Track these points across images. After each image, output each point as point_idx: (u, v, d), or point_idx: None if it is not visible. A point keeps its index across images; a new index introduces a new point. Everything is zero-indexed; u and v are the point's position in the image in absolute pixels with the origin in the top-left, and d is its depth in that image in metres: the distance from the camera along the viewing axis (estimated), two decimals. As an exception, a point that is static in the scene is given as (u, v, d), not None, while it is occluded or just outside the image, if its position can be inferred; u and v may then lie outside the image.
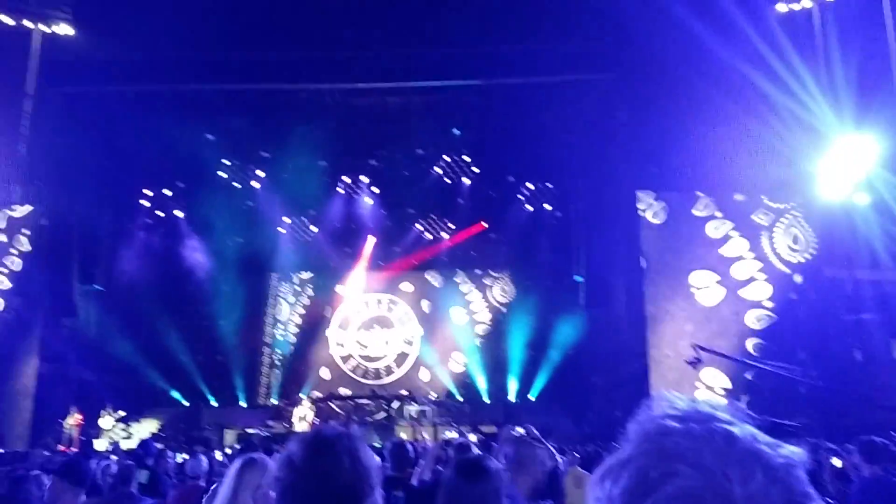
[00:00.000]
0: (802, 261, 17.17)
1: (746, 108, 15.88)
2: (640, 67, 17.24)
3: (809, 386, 16.01)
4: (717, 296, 17.18)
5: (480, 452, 5.23)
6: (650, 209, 17.70)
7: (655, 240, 17.63)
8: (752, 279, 17.08)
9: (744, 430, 0.75)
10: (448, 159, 21.61)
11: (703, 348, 15.72)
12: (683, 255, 17.48)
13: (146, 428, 19.88)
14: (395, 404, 20.12)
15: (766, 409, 16.23)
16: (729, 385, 16.65)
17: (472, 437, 7.67)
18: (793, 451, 0.75)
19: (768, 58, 15.65)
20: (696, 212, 17.64)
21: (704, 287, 17.22)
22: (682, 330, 17.01)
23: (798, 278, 17.04)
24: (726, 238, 17.42)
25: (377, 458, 1.72)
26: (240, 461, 2.78)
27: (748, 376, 16.54)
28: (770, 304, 16.90)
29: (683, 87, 16.60)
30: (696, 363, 15.67)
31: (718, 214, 17.59)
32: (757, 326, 16.90)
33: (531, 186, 22.04)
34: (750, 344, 16.85)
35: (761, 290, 17.02)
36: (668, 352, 16.69)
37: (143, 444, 13.90)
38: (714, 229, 17.56)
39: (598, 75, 17.90)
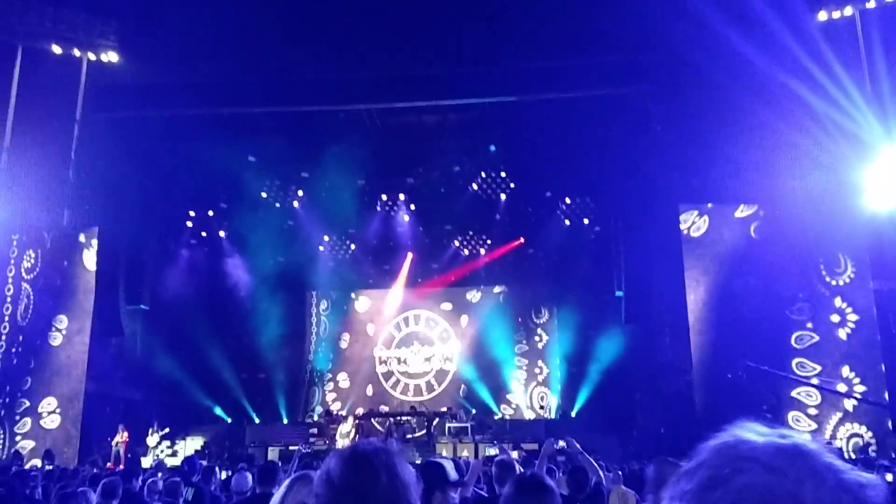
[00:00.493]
0: (840, 284, 16.68)
1: (788, 119, 15.60)
2: (677, 79, 17.07)
3: (859, 402, 15.63)
4: (761, 311, 16.78)
5: (522, 469, 5.18)
6: (693, 225, 17.44)
7: (694, 246, 17.27)
8: (795, 297, 16.67)
9: (821, 447, 0.76)
10: (485, 176, 21.63)
11: (751, 366, 15.46)
12: (724, 259, 17.05)
13: (191, 445, 20.16)
14: (436, 421, 20.07)
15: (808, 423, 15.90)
16: (774, 401, 16.28)
17: (514, 454, 7.61)
18: (870, 476, 0.74)
19: (809, 67, 15.37)
20: (738, 214, 17.20)
21: (748, 298, 16.84)
22: (728, 344, 16.66)
23: (839, 301, 16.59)
24: (768, 240, 16.95)
25: (415, 474, 1.70)
26: (292, 476, 2.80)
27: (794, 394, 16.16)
28: (811, 325, 16.49)
29: (722, 98, 16.38)
30: (745, 381, 15.44)
31: (762, 213, 17.13)
32: (800, 346, 16.50)
33: (569, 201, 21.92)
34: (795, 364, 16.45)
35: (802, 311, 16.61)
36: (713, 368, 16.37)
37: (188, 460, 14.09)
38: (755, 230, 17.10)
39: (635, 88, 17.76)
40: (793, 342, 16.55)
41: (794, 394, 16.20)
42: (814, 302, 16.67)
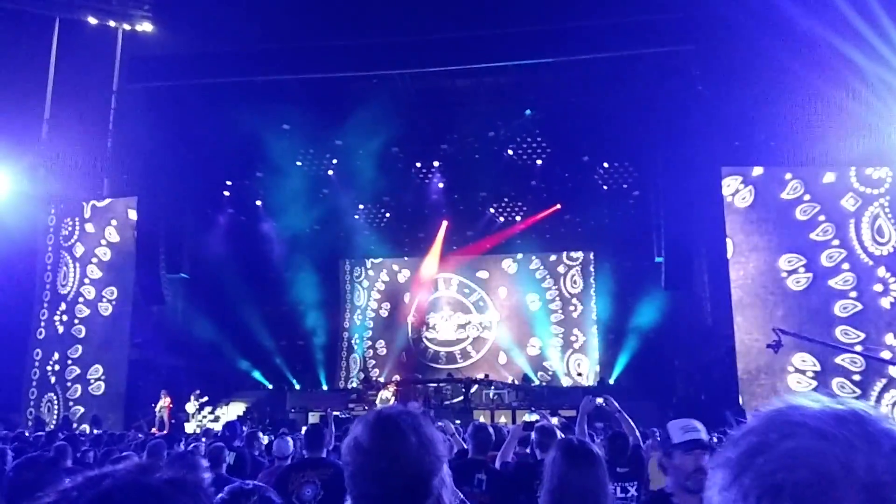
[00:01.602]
0: (885, 254, 16.36)
1: (834, 80, 15.01)
2: (719, 38, 16.49)
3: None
4: (805, 281, 16.53)
5: (563, 435, 5.09)
6: (738, 193, 17.10)
7: (742, 222, 17.04)
8: (838, 268, 16.41)
9: (880, 413, 0.70)
10: (520, 141, 21.31)
11: (784, 332, 15.17)
12: (772, 238, 16.83)
13: (232, 411, 20.55)
14: (473, 388, 20.12)
15: (860, 392, 15.59)
16: (818, 368, 16.02)
17: (553, 420, 7.55)
18: None
19: (857, 25, 14.71)
20: (784, 196, 16.96)
21: (793, 271, 16.60)
22: (773, 315, 16.40)
23: (882, 271, 16.27)
24: (815, 223, 16.72)
25: (441, 434, 1.69)
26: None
27: (838, 360, 15.87)
28: (854, 294, 16.23)
29: (766, 58, 15.82)
30: (776, 347, 15.15)
31: (806, 198, 16.90)
32: (843, 315, 16.23)
33: (606, 165, 21.50)
34: (839, 332, 16.18)
35: (847, 281, 16.36)
36: (757, 336, 16.08)
37: (229, 425, 14.36)
38: (802, 213, 16.86)
39: (676, 48, 17.19)
40: (836, 311, 16.29)
41: (838, 360, 15.91)
42: (857, 272, 16.40)
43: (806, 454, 0.64)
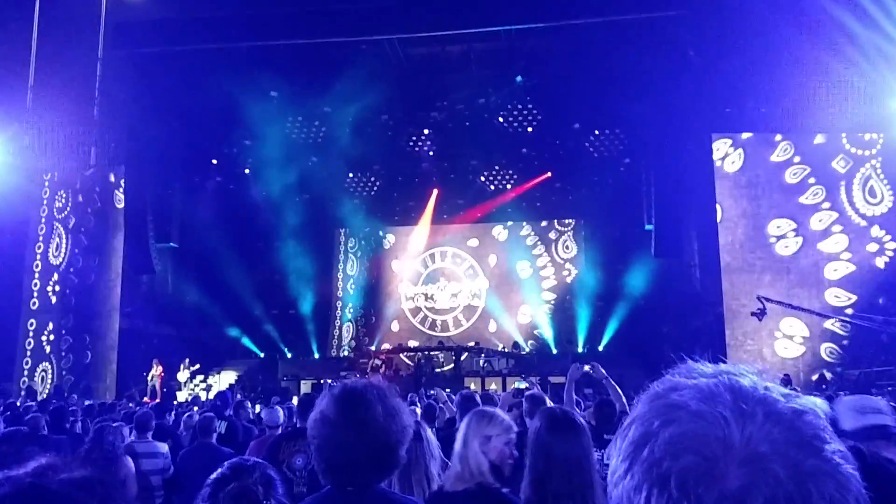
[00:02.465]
0: (878, 214, 16.42)
1: (828, 46, 14.91)
2: (710, 4, 16.33)
3: (891, 335, 15.44)
4: (795, 246, 16.60)
5: (551, 403, 5.14)
6: (727, 157, 17.08)
7: (731, 187, 17.05)
8: (828, 230, 16.45)
9: (754, 381, 0.72)
10: (511, 108, 21.17)
11: (767, 299, 15.36)
12: (761, 203, 16.85)
13: (224, 379, 20.64)
14: (464, 356, 20.26)
15: (849, 358, 15.78)
16: (807, 333, 16.20)
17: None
18: (809, 400, 0.71)
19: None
20: (774, 158, 16.95)
21: (782, 236, 16.66)
22: (760, 280, 16.51)
23: (876, 230, 16.34)
24: (804, 185, 16.72)
25: (410, 407, 1.72)
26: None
27: (828, 325, 16.02)
28: (847, 256, 16.29)
29: (758, 23, 15.69)
30: (761, 315, 15.36)
31: (797, 160, 16.89)
32: (834, 277, 16.33)
33: (597, 133, 21.42)
34: (829, 295, 16.30)
35: (838, 242, 16.41)
36: (744, 301, 16.21)
37: (221, 395, 14.41)
38: (792, 175, 16.87)
39: (667, 13, 17.06)
40: (826, 274, 16.39)
41: (827, 325, 16.06)
42: (849, 233, 16.43)
43: (686, 438, 0.66)
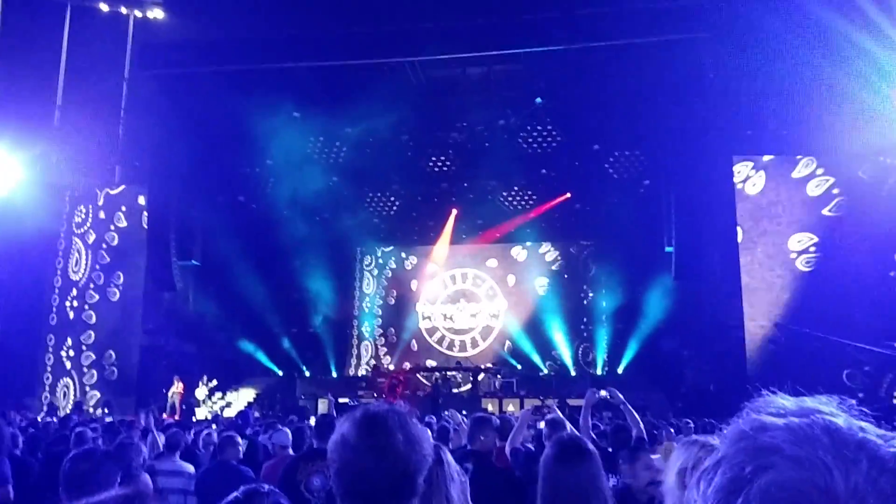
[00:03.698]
0: None
1: (846, 68, 14.88)
2: (731, 27, 16.36)
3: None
4: (815, 261, 16.36)
5: (571, 428, 5.12)
6: (748, 180, 16.98)
7: (752, 208, 16.93)
8: (851, 244, 16.17)
9: (849, 421, 0.67)
10: (530, 129, 21.23)
11: (784, 326, 15.22)
12: (782, 220, 16.67)
13: (243, 397, 20.72)
14: (481, 376, 20.18)
15: (864, 382, 15.48)
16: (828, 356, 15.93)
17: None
18: None
19: (869, 12, 14.54)
20: (795, 174, 16.78)
21: (803, 251, 16.43)
22: (780, 299, 16.30)
23: None
24: (829, 197, 16.47)
25: (428, 433, 1.74)
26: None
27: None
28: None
29: (779, 47, 15.69)
30: (778, 341, 15.25)
31: (819, 171, 16.66)
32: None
33: (617, 154, 21.40)
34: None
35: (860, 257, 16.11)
36: (763, 322, 16.03)
37: (242, 414, 14.49)
38: (815, 187, 16.66)
39: (688, 35, 17.08)
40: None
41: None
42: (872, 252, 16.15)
43: (786, 488, 0.62)
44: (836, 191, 16.52)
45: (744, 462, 0.66)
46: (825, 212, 16.48)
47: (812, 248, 16.43)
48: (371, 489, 1.67)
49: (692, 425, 9.79)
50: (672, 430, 9.41)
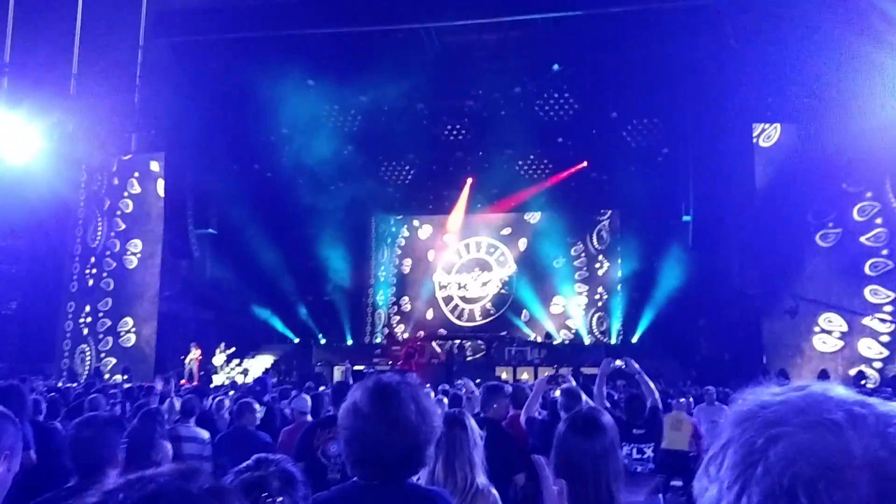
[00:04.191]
0: None
1: (869, 35, 14.51)
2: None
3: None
4: (834, 237, 16.20)
5: (585, 398, 5.13)
6: (764, 133, 16.67)
7: (772, 175, 16.66)
8: (870, 222, 16.00)
9: (840, 390, 0.71)
10: (547, 97, 20.99)
11: (801, 297, 15.16)
12: (803, 192, 16.46)
13: (259, 364, 20.97)
14: (495, 345, 20.27)
15: (890, 353, 15.44)
16: (846, 328, 15.88)
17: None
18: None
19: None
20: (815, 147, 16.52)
21: (823, 228, 16.27)
22: (798, 273, 16.19)
23: None
24: (847, 171, 16.22)
25: (438, 397, 1.76)
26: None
27: (866, 321, 15.68)
28: (886, 252, 15.84)
29: (800, 12, 15.33)
30: (794, 312, 15.20)
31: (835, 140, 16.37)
32: (874, 274, 15.92)
33: (635, 122, 21.14)
34: (867, 291, 15.91)
35: (878, 237, 15.95)
36: (781, 294, 15.94)
37: (260, 380, 14.66)
38: (835, 160, 16.39)
39: (708, 1, 16.74)
40: (867, 269, 16.00)
41: (865, 321, 15.71)
42: (891, 228, 15.99)
43: (803, 450, 0.64)
44: (856, 167, 16.24)
45: (753, 437, 0.68)
46: (844, 186, 16.25)
47: (830, 224, 16.25)
48: (380, 458, 1.70)
49: (713, 392, 9.79)
50: (685, 400, 9.44)
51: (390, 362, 19.41)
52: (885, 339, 15.65)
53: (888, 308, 15.68)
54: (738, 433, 0.70)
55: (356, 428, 1.73)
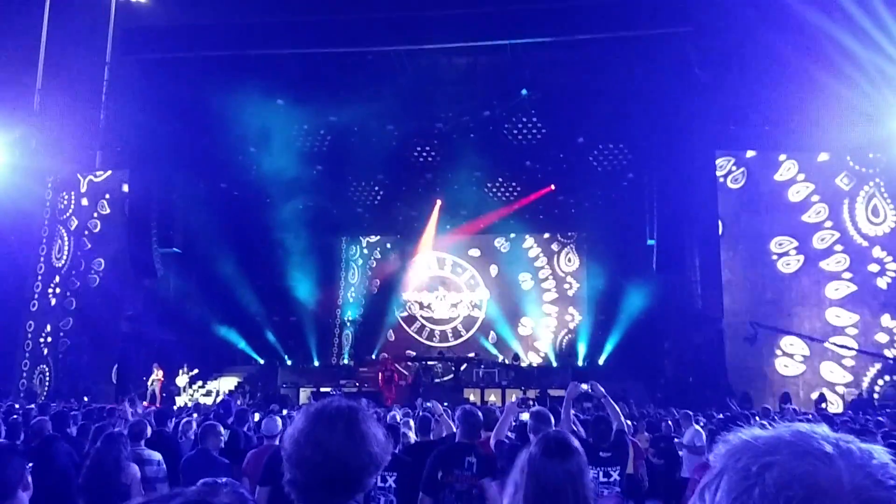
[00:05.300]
0: (880, 234, 16.47)
1: (829, 66, 15.05)
2: (716, 22, 16.48)
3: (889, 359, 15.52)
4: (796, 264, 16.64)
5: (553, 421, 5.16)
6: (730, 175, 17.18)
7: (734, 204, 17.12)
8: (830, 249, 16.50)
9: (824, 428, 0.77)
10: (515, 121, 21.23)
11: (759, 325, 15.52)
12: (764, 220, 16.92)
13: (224, 385, 20.63)
14: (464, 367, 20.24)
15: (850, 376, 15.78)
16: (807, 352, 16.22)
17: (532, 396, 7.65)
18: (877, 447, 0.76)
19: (852, 11, 14.71)
20: (777, 177, 17.03)
21: (783, 254, 16.71)
22: (762, 297, 16.54)
23: (878, 251, 16.38)
24: (808, 203, 16.78)
25: (381, 435, 1.78)
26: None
27: (828, 345, 16.04)
28: (848, 276, 16.32)
29: (762, 43, 15.86)
30: (753, 339, 15.53)
31: (800, 178, 16.95)
32: (835, 297, 16.35)
33: (601, 147, 21.46)
34: (830, 314, 16.32)
35: (839, 262, 16.44)
36: (744, 318, 16.25)
37: (223, 404, 14.39)
38: (795, 193, 16.92)
39: (673, 29, 17.15)
40: (827, 293, 16.42)
41: (828, 345, 16.07)
42: (851, 253, 16.47)
43: (796, 476, 0.70)
44: (815, 198, 16.78)
45: (748, 465, 0.74)
46: (805, 218, 16.75)
47: (793, 251, 16.69)
48: (308, 480, 1.70)
49: (693, 416, 9.82)
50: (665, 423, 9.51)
51: (357, 384, 19.26)
52: (849, 363, 16.00)
53: (852, 331, 16.07)
54: (733, 462, 0.75)
55: (289, 450, 1.74)
